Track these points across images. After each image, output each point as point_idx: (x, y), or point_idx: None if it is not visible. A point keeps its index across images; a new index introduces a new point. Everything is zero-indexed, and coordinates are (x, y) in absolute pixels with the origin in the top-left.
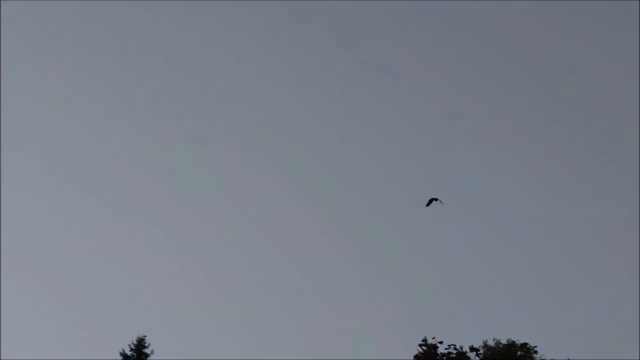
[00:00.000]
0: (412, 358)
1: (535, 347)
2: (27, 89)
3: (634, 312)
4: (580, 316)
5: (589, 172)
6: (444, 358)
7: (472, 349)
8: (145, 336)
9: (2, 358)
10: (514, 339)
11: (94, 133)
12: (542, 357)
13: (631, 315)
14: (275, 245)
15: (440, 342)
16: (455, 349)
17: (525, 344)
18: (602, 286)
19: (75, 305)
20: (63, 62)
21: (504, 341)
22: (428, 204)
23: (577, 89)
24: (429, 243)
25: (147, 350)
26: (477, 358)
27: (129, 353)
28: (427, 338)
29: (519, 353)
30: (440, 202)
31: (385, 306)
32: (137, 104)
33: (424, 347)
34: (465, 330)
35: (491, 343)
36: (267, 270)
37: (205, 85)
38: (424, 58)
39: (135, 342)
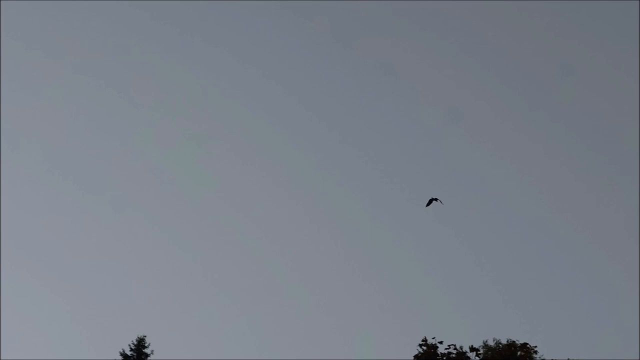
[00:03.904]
0: (412, 358)
1: (535, 347)
2: (27, 89)
3: (634, 312)
4: (580, 316)
5: (589, 172)
6: (444, 358)
7: (472, 349)
8: (145, 336)
9: (2, 358)
10: (514, 339)
11: (94, 133)
12: (542, 357)
13: (631, 315)
14: (275, 245)
15: (440, 342)
16: (455, 349)
17: (525, 344)
18: (602, 286)
19: (75, 305)
20: (63, 62)
21: (504, 341)
22: (428, 204)
23: (577, 89)
24: (429, 243)
25: (147, 350)
26: (477, 358)
27: (129, 353)
28: (427, 338)
29: (519, 353)
30: (440, 202)
31: (385, 306)
32: (137, 104)
33: (424, 347)
34: (465, 330)
35: (491, 343)
36: (267, 270)
37: (205, 85)
38: (424, 58)
39: (135, 342)
